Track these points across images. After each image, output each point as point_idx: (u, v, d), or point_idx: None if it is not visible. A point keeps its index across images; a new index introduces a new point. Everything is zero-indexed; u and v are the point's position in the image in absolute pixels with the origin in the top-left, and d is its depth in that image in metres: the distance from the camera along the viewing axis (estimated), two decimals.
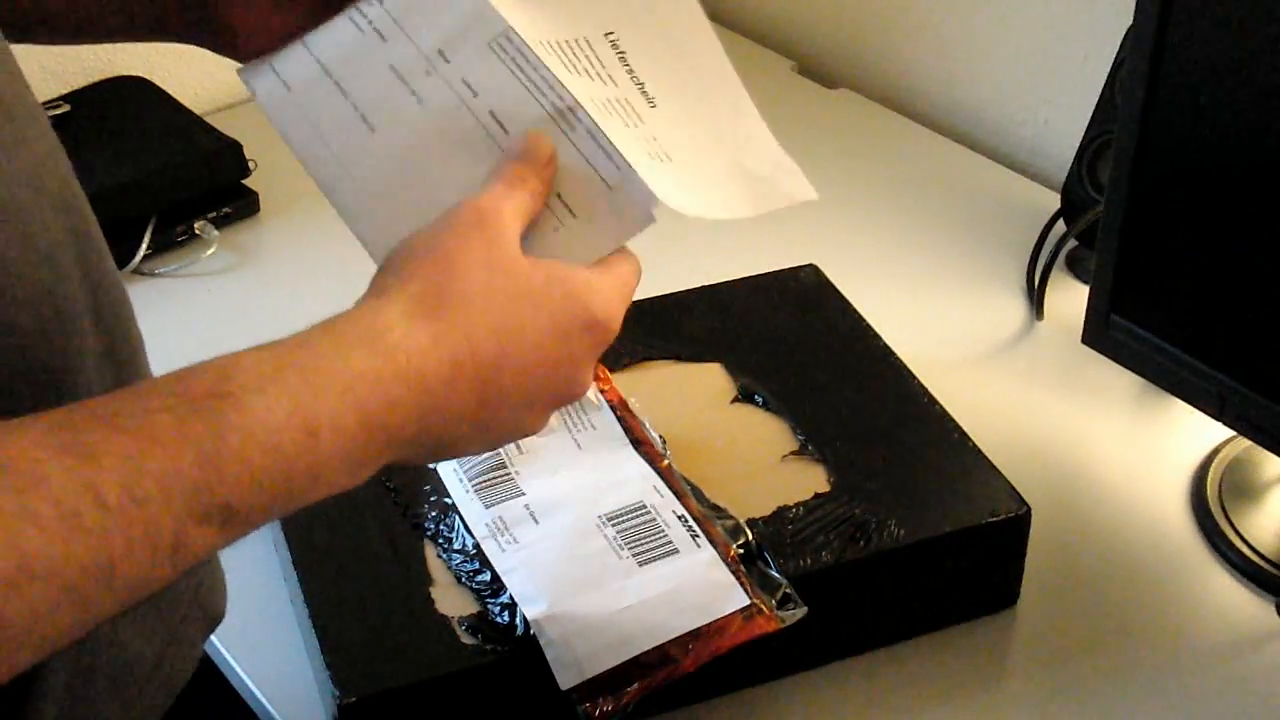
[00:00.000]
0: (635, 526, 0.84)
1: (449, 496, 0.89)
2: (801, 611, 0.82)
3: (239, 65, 0.74)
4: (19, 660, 0.47)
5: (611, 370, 0.97)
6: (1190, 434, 1.05)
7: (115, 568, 0.48)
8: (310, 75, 0.70)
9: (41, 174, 0.61)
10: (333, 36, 0.71)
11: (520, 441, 0.89)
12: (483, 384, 0.60)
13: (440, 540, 0.87)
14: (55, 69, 1.40)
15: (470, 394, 0.60)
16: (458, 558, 0.85)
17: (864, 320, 1.04)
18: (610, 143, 0.66)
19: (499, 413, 0.62)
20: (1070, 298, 1.18)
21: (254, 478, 0.52)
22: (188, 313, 1.22)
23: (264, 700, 0.88)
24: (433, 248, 0.62)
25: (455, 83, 0.68)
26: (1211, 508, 0.99)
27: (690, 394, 0.98)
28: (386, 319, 0.59)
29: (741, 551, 0.84)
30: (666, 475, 0.88)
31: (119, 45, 1.43)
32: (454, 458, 0.65)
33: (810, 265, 1.09)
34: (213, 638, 0.87)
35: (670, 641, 0.79)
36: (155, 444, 0.49)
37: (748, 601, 0.81)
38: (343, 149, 0.69)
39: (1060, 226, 1.21)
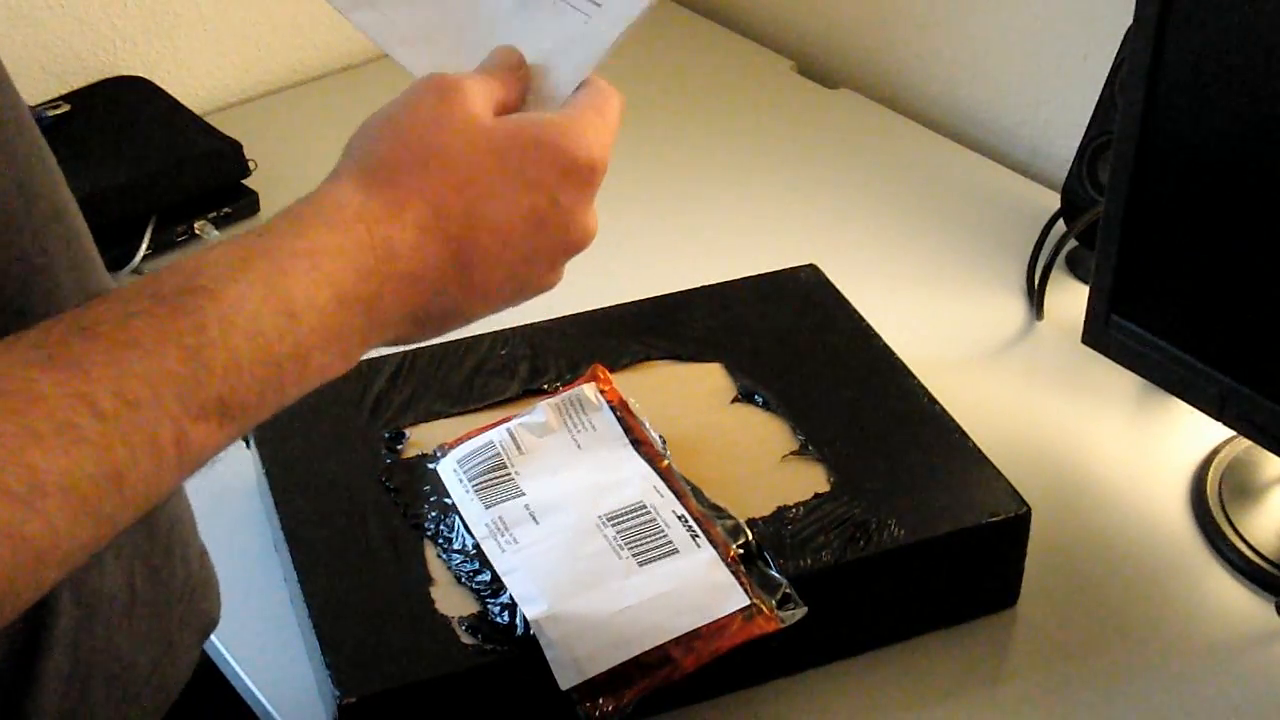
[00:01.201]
0: (635, 526, 0.84)
1: (449, 496, 0.89)
2: (801, 611, 0.82)
3: None
4: (45, 578, 0.47)
5: (611, 370, 0.97)
6: (1190, 434, 1.05)
7: (123, 475, 0.48)
8: None
9: (33, 183, 0.60)
10: None
11: (520, 441, 0.90)
12: (456, 245, 0.59)
13: (440, 540, 0.87)
14: (55, 69, 1.40)
15: (445, 257, 0.59)
16: (458, 558, 0.85)
17: (864, 320, 1.04)
18: None
19: (489, 274, 0.61)
20: (1070, 298, 1.18)
21: (241, 366, 0.52)
22: None
23: (264, 700, 0.88)
24: (385, 121, 0.62)
25: None
26: (1211, 508, 0.99)
27: (690, 394, 0.98)
28: (341, 195, 0.58)
29: (741, 551, 0.84)
30: (666, 475, 0.88)
31: (119, 45, 1.43)
32: (460, 326, 0.64)
33: (810, 265, 1.09)
34: (213, 638, 0.87)
35: (670, 641, 0.79)
36: (137, 347, 0.50)
37: (748, 601, 0.81)
38: (387, 6, 0.70)
39: (1060, 226, 1.21)
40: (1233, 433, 1.00)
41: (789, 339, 1.02)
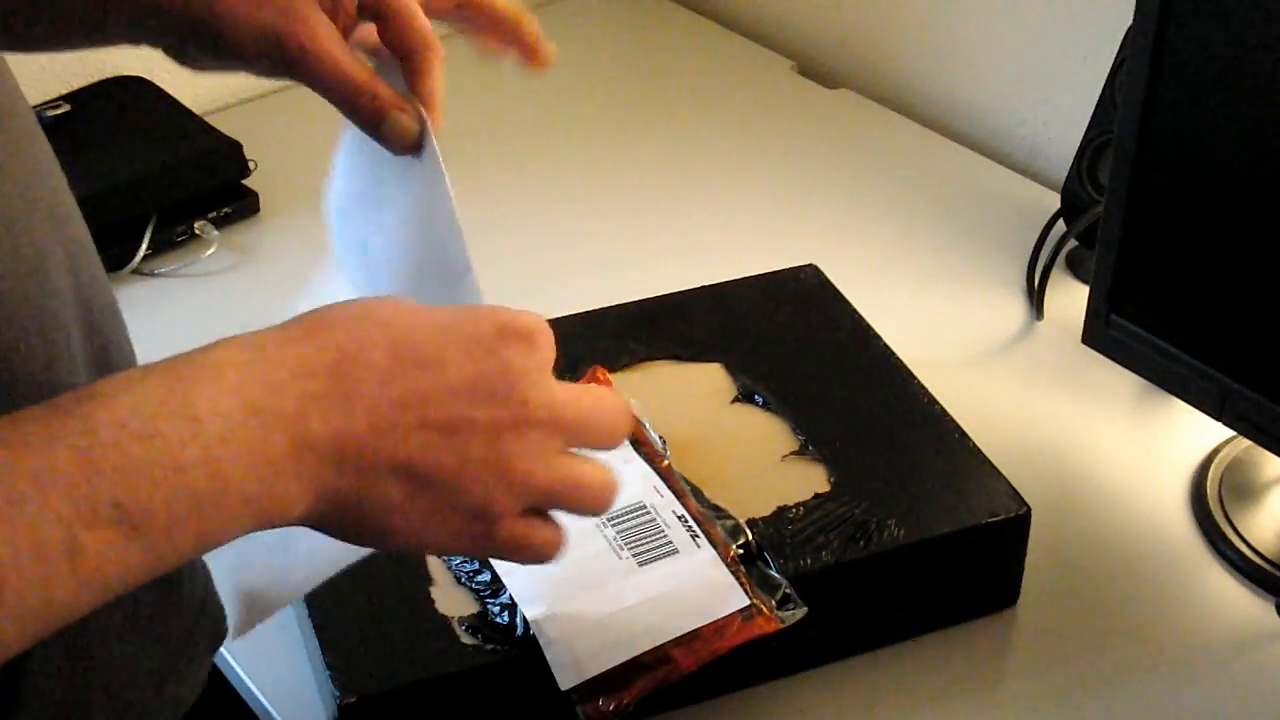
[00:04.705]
0: (635, 527, 0.84)
1: None
2: (801, 611, 0.82)
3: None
4: None
5: (611, 370, 0.97)
6: (1190, 434, 1.05)
7: (4, 579, 0.45)
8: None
9: (34, 185, 0.60)
10: None
11: None
12: (386, 372, 0.55)
13: None
14: (55, 69, 1.39)
15: (374, 379, 0.54)
16: (458, 558, 0.85)
17: (864, 320, 1.04)
18: None
19: (438, 412, 0.55)
20: (1070, 298, 1.18)
21: (138, 470, 0.48)
22: (188, 313, 1.21)
23: (264, 700, 0.88)
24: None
25: None
26: (1211, 508, 0.99)
27: (690, 394, 0.98)
28: (252, 334, 0.55)
29: (741, 551, 0.84)
30: (666, 475, 0.88)
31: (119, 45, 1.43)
32: (447, 546, 0.59)
33: (810, 265, 1.09)
34: None
35: (670, 642, 0.79)
36: (26, 447, 0.47)
37: (748, 602, 0.81)
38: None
39: (1060, 226, 1.21)
40: (1233, 433, 1.00)
41: (789, 339, 1.02)
